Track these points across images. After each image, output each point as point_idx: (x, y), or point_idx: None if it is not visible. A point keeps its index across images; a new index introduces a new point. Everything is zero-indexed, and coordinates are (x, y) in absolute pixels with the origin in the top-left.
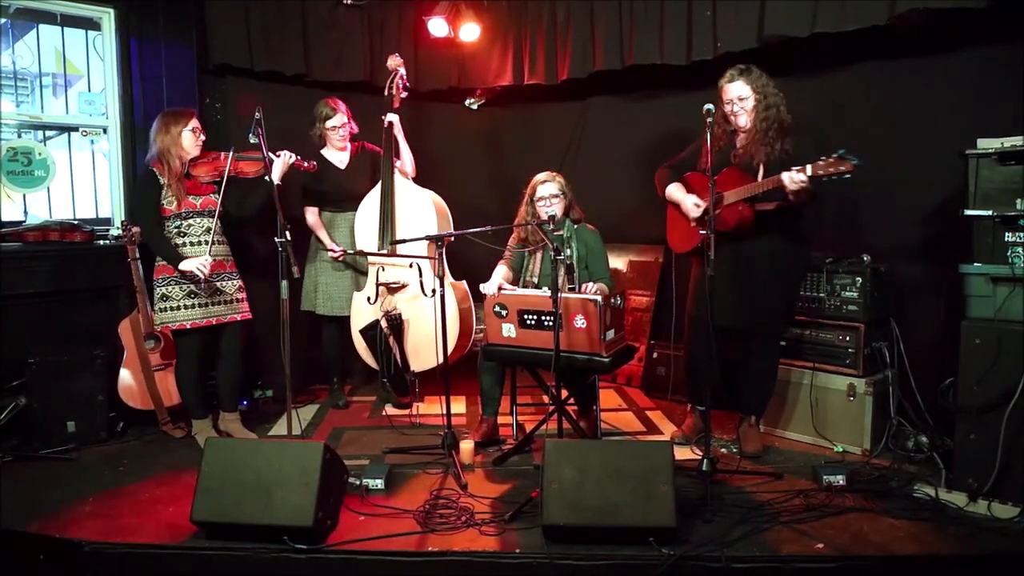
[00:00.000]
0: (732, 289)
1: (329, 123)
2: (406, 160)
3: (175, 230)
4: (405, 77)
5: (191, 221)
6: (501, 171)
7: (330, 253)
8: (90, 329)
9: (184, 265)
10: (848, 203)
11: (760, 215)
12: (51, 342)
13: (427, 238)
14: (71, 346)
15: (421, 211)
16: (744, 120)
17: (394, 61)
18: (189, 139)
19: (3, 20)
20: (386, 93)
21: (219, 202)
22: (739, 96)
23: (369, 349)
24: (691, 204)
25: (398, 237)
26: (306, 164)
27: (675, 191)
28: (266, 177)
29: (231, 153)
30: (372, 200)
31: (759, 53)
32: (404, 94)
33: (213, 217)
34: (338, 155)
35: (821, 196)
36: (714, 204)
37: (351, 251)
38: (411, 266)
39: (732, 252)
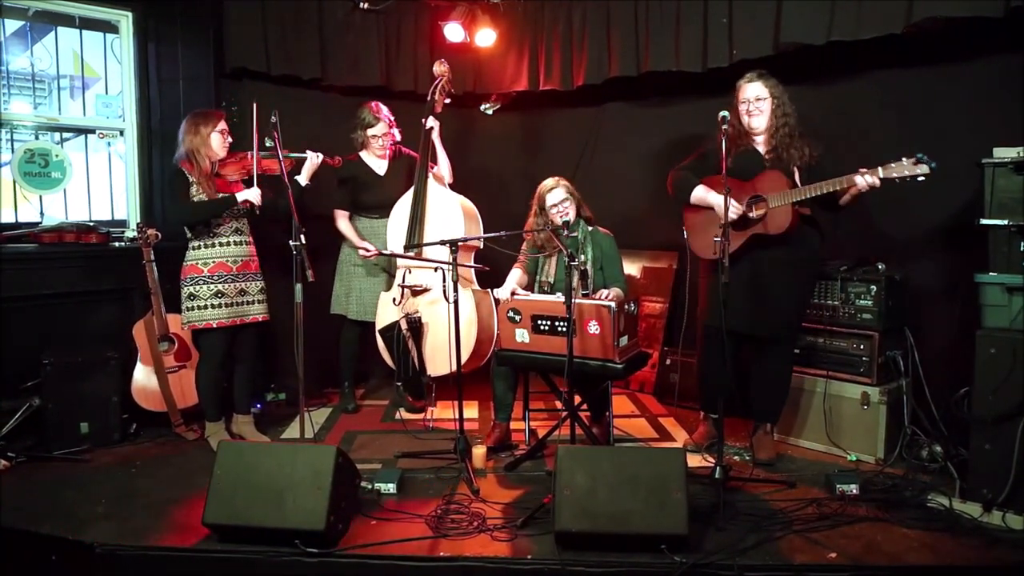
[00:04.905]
0: (750, 295)
1: (371, 131)
2: (443, 166)
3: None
4: (451, 83)
5: (219, 221)
6: (515, 176)
7: (362, 252)
8: (104, 330)
9: (242, 195)
10: (863, 211)
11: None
12: (65, 343)
13: (441, 242)
14: (85, 347)
15: (450, 216)
16: (760, 122)
17: (440, 67)
18: (217, 140)
19: (22, 22)
20: (429, 98)
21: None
22: (757, 96)
23: (387, 349)
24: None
25: (422, 241)
26: (332, 160)
27: (705, 193)
28: (296, 177)
29: (256, 151)
30: (404, 203)
31: (774, 61)
32: (447, 100)
33: (242, 218)
34: (378, 162)
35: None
36: (750, 206)
37: (385, 251)
38: (436, 270)
39: (752, 258)
